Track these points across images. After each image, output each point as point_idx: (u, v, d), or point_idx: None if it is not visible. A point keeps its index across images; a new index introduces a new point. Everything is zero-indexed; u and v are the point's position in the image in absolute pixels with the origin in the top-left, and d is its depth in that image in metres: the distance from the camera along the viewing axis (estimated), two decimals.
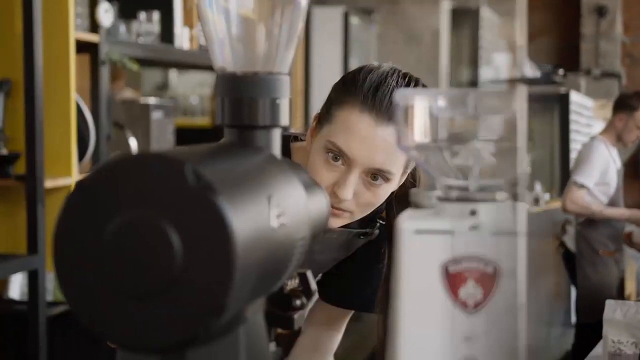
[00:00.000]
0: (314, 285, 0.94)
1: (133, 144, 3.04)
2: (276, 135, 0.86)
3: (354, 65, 6.03)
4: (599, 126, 8.44)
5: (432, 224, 0.72)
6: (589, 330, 4.42)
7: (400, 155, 1.25)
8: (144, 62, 3.31)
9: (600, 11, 9.23)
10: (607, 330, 1.93)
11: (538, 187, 6.60)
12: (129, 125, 3.15)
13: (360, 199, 1.27)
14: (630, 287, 6.59)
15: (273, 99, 0.84)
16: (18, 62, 2.46)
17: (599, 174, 4.31)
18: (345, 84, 1.30)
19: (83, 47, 2.70)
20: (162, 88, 5.72)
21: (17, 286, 2.63)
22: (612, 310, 1.97)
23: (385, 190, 1.29)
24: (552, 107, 7.09)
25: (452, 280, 0.72)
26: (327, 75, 4.25)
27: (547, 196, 6.50)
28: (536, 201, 6.21)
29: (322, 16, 5.68)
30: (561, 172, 7.31)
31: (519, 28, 5.59)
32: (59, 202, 2.35)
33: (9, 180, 2.44)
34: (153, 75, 5.57)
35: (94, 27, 2.73)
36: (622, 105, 4.39)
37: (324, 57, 4.99)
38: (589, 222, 4.44)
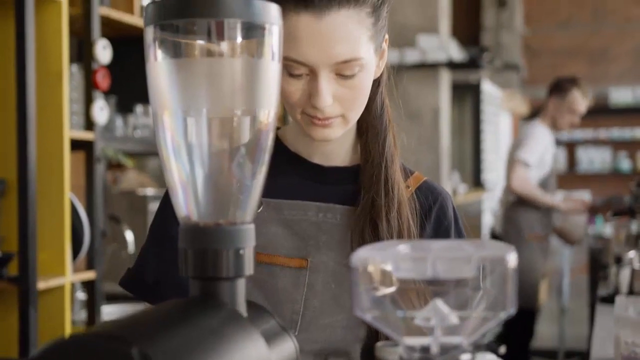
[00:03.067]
0: None
1: (129, 237, 3.03)
2: (241, 285, 0.84)
3: None
4: (505, 116, 8.53)
5: None
6: (510, 318, 4.30)
7: (360, 35, 1.16)
8: (142, 154, 3.33)
9: (501, 2, 9.40)
10: (618, 330, 1.75)
11: (456, 177, 6.52)
12: (127, 216, 3.15)
13: (343, 100, 1.18)
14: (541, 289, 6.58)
15: (237, 250, 0.83)
16: (12, 161, 2.47)
17: (539, 155, 4.28)
18: None
19: (78, 144, 2.72)
20: None
21: None
22: (624, 307, 1.79)
23: (365, 79, 1.20)
24: (463, 96, 7.10)
25: None
26: None
27: (463, 187, 6.43)
28: (455, 192, 6.15)
29: None
30: (473, 162, 7.29)
31: (442, 8, 5.60)
32: (53, 303, 2.34)
33: (2, 282, 2.43)
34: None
35: (89, 124, 2.74)
36: (555, 89, 4.44)
37: None
38: (519, 203, 4.36)
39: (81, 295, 3.10)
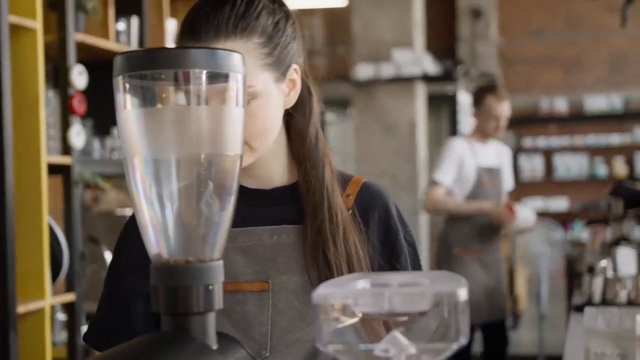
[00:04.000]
0: None
1: (109, 258, 3.06)
2: (211, 319, 0.89)
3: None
4: None
5: None
6: (485, 329, 4.36)
7: (249, 64, 1.13)
8: (120, 176, 3.36)
9: (476, 13, 9.52)
10: (588, 341, 1.81)
11: None
12: (106, 237, 3.17)
13: None
14: (521, 295, 6.46)
15: (206, 286, 0.88)
16: None
17: (455, 171, 4.26)
18: (177, 32, 1.25)
19: (55, 168, 2.75)
20: None
21: None
22: (593, 318, 1.84)
23: (262, 107, 1.22)
24: (440, 107, 7.17)
25: None
26: None
27: None
28: None
29: None
30: None
31: (416, 23, 5.68)
32: (33, 326, 2.37)
33: None
34: None
35: (67, 148, 2.78)
36: (474, 99, 4.45)
37: None
38: (451, 219, 4.33)
39: (61, 316, 3.12)
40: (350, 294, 0.79)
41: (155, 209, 0.89)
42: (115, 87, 0.88)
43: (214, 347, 0.88)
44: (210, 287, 0.88)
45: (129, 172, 0.89)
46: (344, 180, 1.37)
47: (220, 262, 0.90)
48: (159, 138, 0.88)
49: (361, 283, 0.82)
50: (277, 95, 1.25)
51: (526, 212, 4.38)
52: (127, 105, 0.88)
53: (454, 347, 0.77)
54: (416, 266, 1.40)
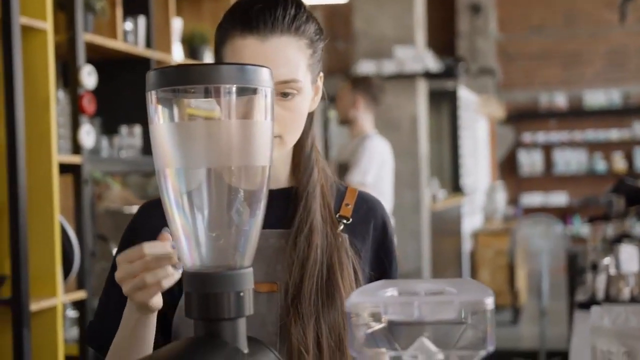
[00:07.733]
0: None
1: None
2: (242, 325, 0.92)
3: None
4: (482, 121, 8.67)
5: None
6: None
7: (299, 61, 1.25)
8: (126, 173, 3.39)
9: (475, 8, 9.56)
10: (594, 339, 1.82)
11: (435, 183, 6.62)
12: (113, 234, 3.20)
13: (281, 120, 1.24)
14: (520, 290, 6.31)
15: (237, 292, 0.91)
16: (2, 186, 2.53)
17: None
18: (220, 25, 1.29)
19: (66, 168, 2.77)
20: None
21: None
22: (600, 316, 1.85)
23: (302, 104, 1.27)
24: (440, 103, 7.20)
25: None
26: None
27: (442, 193, 6.52)
28: (434, 198, 6.18)
29: None
30: (451, 167, 7.41)
31: (418, 20, 5.71)
32: (45, 324, 2.39)
33: None
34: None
35: (77, 147, 2.80)
36: None
37: None
38: None
39: (72, 313, 3.15)
40: (380, 303, 0.82)
41: (187, 218, 0.92)
42: (148, 102, 0.91)
43: (245, 351, 0.91)
44: (241, 293, 0.91)
45: (162, 183, 0.92)
46: (340, 190, 1.41)
47: (250, 270, 0.93)
48: (190, 150, 0.91)
49: (390, 291, 0.85)
50: (310, 97, 1.31)
51: None
52: (160, 119, 0.91)
53: (482, 354, 0.80)
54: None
